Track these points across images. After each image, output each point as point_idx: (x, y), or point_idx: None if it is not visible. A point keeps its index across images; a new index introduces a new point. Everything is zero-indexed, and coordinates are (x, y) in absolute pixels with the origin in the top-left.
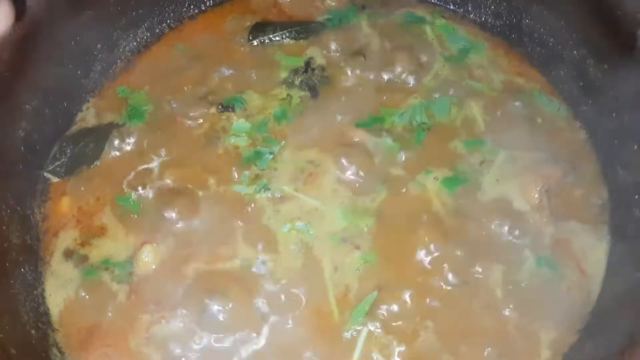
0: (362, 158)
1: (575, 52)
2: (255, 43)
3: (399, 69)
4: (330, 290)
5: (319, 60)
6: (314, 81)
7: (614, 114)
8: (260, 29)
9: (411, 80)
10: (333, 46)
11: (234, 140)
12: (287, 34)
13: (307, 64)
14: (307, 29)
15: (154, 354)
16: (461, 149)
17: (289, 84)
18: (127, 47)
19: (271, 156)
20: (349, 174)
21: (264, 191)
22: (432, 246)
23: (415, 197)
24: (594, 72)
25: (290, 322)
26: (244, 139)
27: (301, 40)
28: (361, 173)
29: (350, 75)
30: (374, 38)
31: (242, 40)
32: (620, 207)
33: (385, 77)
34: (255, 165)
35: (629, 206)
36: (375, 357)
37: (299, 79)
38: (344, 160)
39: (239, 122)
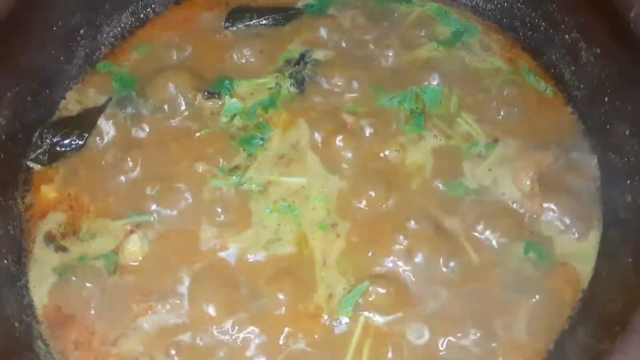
0: (353, 143)
1: (567, 36)
2: (232, 29)
3: (389, 54)
4: (318, 277)
5: (316, 54)
6: (302, 75)
7: (606, 99)
8: (237, 15)
9: (401, 66)
10: (316, 33)
11: (225, 120)
12: (265, 20)
13: (302, 56)
14: (286, 15)
15: (140, 345)
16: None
17: (281, 73)
18: (111, 33)
19: (261, 142)
20: (338, 161)
21: (246, 185)
22: (420, 234)
23: (408, 183)
24: (586, 56)
25: (277, 311)
26: (237, 118)
27: (279, 27)
28: (350, 157)
29: (338, 65)
30: (359, 23)
31: (228, 26)
32: (612, 193)
33: (374, 62)
34: (243, 150)
35: (621, 191)
36: (366, 347)
37: (290, 70)
38: (336, 143)
39: (231, 101)
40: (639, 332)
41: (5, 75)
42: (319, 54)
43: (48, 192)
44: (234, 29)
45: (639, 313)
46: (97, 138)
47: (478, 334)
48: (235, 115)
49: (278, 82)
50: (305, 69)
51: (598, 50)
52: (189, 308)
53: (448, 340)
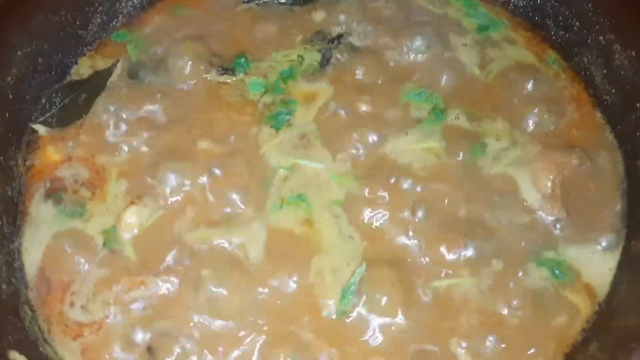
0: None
1: (602, 37)
2: (250, 4)
3: (417, 44)
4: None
5: (352, 39)
6: (331, 53)
7: (638, 104)
8: None
9: (429, 58)
10: (335, 18)
11: (252, 97)
12: None
13: (339, 37)
14: None
15: (128, 320)
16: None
17: (308, 44)
18: (130, 2)
19: (288, 117)
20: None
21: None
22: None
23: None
24: (619, 59)
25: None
26: (267, 96)
27: (297, 6)
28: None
29: (365, 53)
30: (388, 10)
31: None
32: (637, 203)
33: (400, 53)
34: (271, 127)
35: None
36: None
37: (321, 46)
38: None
39: (251, 79)
40: None
41: (17, 34)
42: (355, 40)
43: (51, 157)
44: (252, 5)
45: None
46: (107, 103)
47: (490, 341)
48: (265, 92)
49: (300, 55)
50: (337, 48)
51: (633, 53)
52: (180, 288)
53: (455, 344)
